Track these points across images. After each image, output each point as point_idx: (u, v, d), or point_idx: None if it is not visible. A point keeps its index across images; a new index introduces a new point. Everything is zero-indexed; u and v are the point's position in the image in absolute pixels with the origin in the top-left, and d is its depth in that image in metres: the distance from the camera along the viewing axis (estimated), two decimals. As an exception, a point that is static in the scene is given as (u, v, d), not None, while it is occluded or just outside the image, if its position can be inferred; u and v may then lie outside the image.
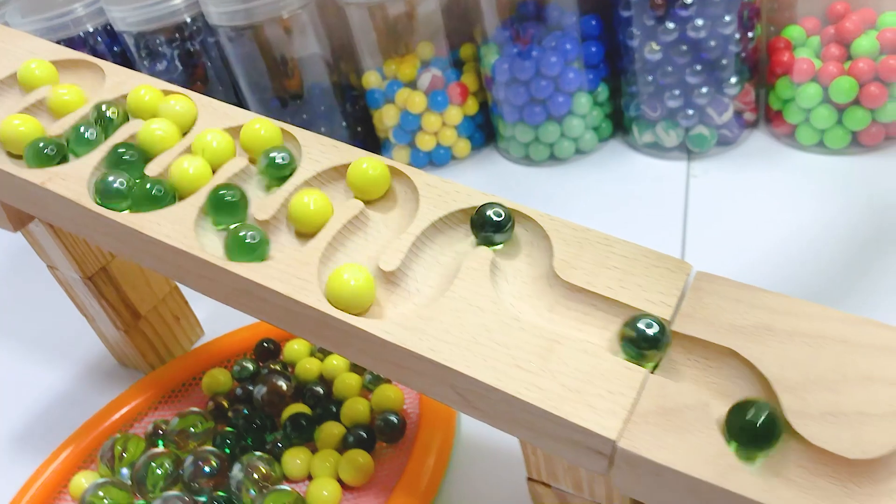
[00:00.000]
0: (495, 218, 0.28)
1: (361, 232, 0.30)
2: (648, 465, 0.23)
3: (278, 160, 0.30)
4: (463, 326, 0.26)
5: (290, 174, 0.31)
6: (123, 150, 0.32)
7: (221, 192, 0.30)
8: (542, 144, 0.57)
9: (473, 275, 0.28)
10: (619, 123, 0.59)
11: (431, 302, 0.28)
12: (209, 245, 0.30)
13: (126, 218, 0.31)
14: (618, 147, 0.59)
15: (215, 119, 0.35)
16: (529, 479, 0.30)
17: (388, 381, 0.42)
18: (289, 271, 0.28)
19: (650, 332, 0.25)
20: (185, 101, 0.34)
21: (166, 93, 0.36)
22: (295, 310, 0.28)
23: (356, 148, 0.33)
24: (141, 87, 0.35)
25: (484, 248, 0.29)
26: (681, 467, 0.22)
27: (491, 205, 0.29)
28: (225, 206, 0.30)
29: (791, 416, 0.23)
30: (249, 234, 0.29)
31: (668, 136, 0.54)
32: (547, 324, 0.27)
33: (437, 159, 0.61)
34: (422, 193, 0.31)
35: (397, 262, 0.29)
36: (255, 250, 0.28)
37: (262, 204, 0.31)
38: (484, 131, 0.62)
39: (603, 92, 0.57)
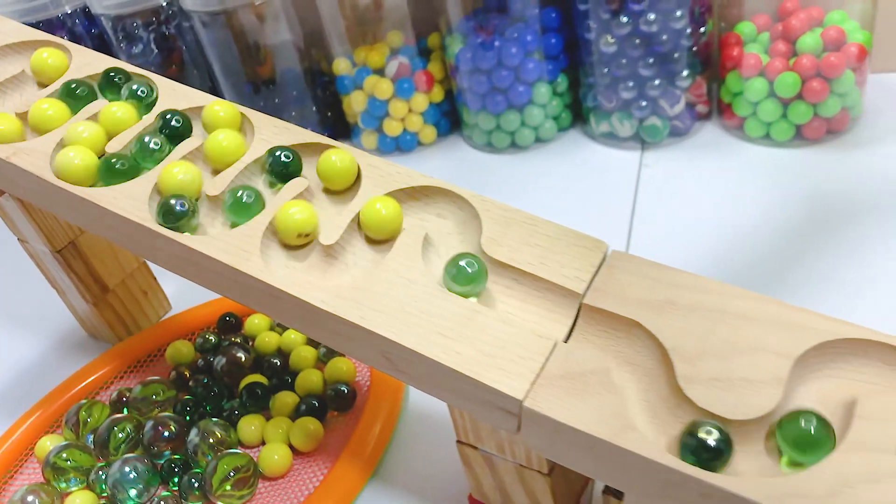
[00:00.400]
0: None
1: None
2: (551, 423, 0.25)
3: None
4: (393, 297, 0.28)
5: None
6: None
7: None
8: (503, 132, 0.59)
9: (406, 250, 0.30)
10: (578, 114, 0.61)
11: (366, 274, 0.30)
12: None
13: (85, 192, 0.33)
14: (576, 136, 0.61)
15: (174, 100, 0.36)
16: (458, 441, 0.32)
17: (342, 355, 0.44)
18: (234, 243, 0.30)
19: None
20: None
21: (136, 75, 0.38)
22: (240, 280, 0.30)
23: (307, 130, 0.35)
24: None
25: (418, 225, 0.31)
26: (579, 425, 0.25)
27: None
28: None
29: (682, 381, 0.26)
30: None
31: (623, 126, 0.57)
32: (471, 296, 0.29)
33: (403, 145, 0.63)
34: (364, 174, 0.33)
35: (336, 236, 0.31)
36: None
37: (213, 182, 0.33)
38: (450, 119, 0.64)
39: (562, 83, 0.59)
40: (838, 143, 0.53)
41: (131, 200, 0.32)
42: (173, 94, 0.37)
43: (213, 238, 0.30)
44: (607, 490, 0.28)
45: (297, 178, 0.33)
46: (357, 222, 0.32)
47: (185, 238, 0.31)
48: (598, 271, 0.29)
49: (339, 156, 0.32)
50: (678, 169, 0.55)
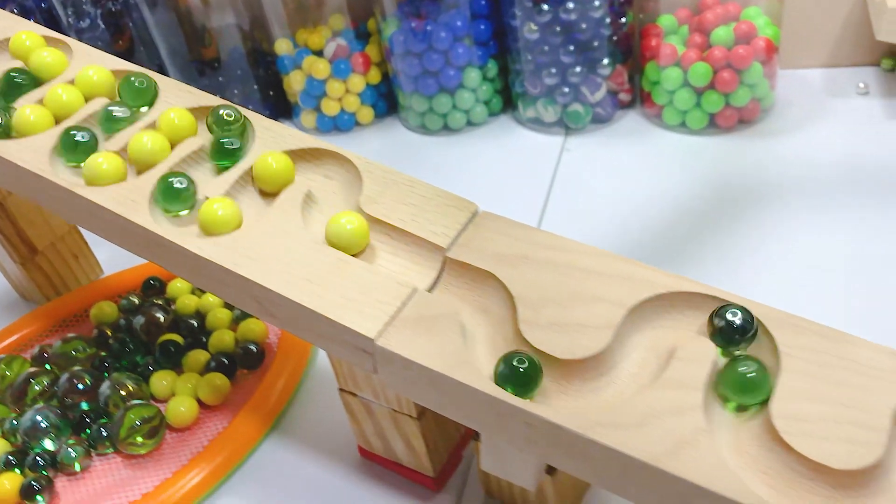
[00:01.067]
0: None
1: (198, 166, 0.34)
2: (399, 360, 0.27)
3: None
4: (268, 246, 0.30)
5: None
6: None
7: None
8: (435, 115, 0.62)
9: (287, 205, 0.32)
10: (508, 100, 0.63)
11: (248, 225, 0.32)
12: (62, 173, 0.34)
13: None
14: (506, 121, 0.63)
15: (87, 62, 0.38)
16: (340, 389, 0.34)
17: (255, 317, 0.46)
18: (127, 195, 0.32)
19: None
20: (54, 52, 0.38)
21: (48, 39, 0.40)
22: (128, 228, 0.32)
23: (211, 95, 0.37)
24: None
25: (304, 182, 0.33)
26: (421, 360, 0.27)
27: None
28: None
29: (523, 325, 0.28)
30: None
31: (548, 111, 0.59)
32: (343, 247, 0.31)
33: (341, 124, 0.65)
34: (258, 135, 0.35)
35: (222, 191, 0.33)
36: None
37: (113, 140, 0.35)
38: (387, 101, 0.66)
39: (492, 68, 0.61)
40: (749, 132, 0.56)
41: (33, 153, 0.34)
42: (86, 58, 0.39)
43: (105, 188, 0.32)
44: (475, 434, 0.31)
45: (192, 138, 0.35)
46: (251, 176, 0.34)
47: (81, 189, 0.32)
48: (465, 229, 0.31)
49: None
50: (597, 153, 0.57)
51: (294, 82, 0.64)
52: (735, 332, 0.27)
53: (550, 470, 0.31)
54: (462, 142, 0.62)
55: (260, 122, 0.35)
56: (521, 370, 0.26)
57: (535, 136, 0.60)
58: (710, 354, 0.26)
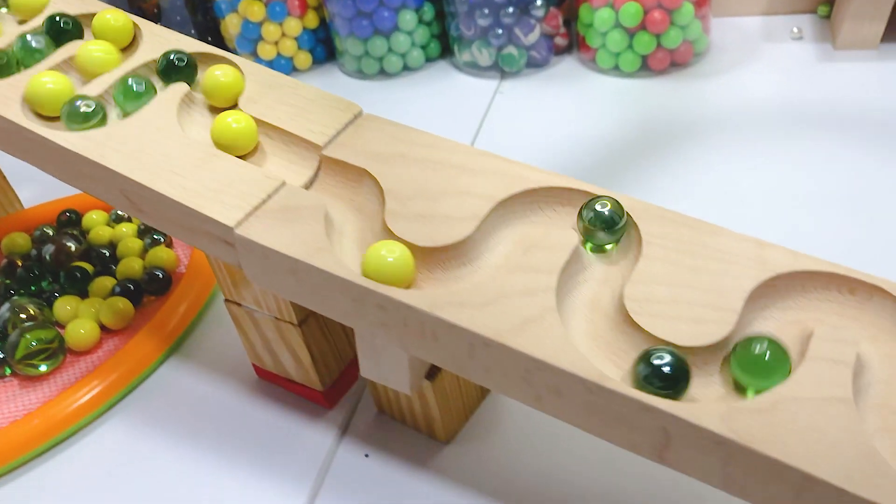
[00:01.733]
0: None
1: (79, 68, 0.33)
2: (259, 249, 0.27)
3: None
4: (138, 141, 0.30)
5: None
6: None
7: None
8: (371, 58, 0.61)
9: (163, 104, 0.31)
10: (448, 45, 0.63)
11: (121, 124, 0.31)
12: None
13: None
14: (444, 66, 0.62)
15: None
16: (225, 300, 0.34)
17: (164, 245, 0.45)
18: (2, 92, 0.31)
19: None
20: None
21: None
22: (2, 126, 0.31)
23: (103, 3, 0.36)
24: None
25: (181, 84, 0.32)
26: (278, 248, 0.26)
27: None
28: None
29: (389, 216, 0.27)
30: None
31: (482, 54, 0.58)
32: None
33: (278, 69, 0.64)
34: (144, 40, 0.34)
35: (100, 90, 0.32)
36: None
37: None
38: (326, 47, 0.66)
39: (428, 11, 0.60)
40: (682, 75, 0.55)
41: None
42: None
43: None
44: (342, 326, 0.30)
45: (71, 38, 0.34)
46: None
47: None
48: (345, 129, 0.31)
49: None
50: (530, 96, 0.56)
51: (230, 26, 0.63)
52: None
53: (430, 375, 0.30)
54: (398, 86, 0.61)
55: (148, 28, 0.35)
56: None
57: (471, 80, 0.60)
58: (570, 243, 0.26)
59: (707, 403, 0.21)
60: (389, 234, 0.27)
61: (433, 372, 0.30)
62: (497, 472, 0.32)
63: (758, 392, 0.22)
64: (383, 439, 0.34)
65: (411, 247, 0.26)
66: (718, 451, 0.21)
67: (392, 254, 0.25)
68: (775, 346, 0.22)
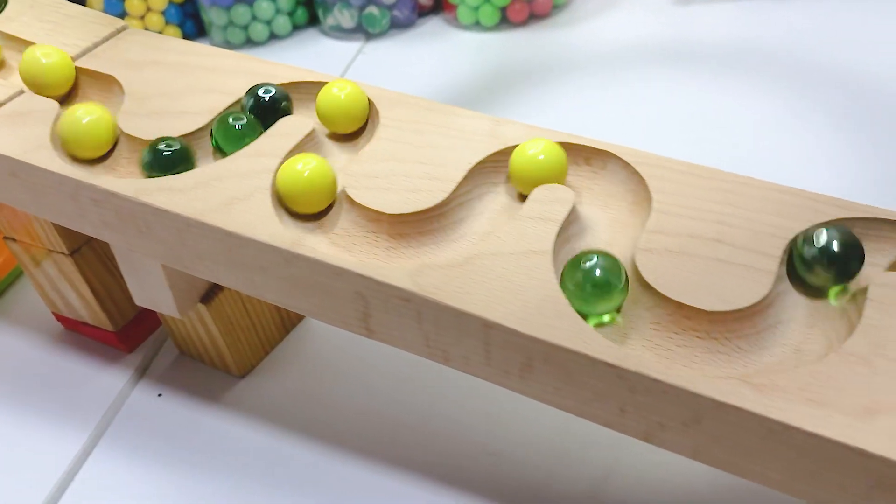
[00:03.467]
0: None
1: None
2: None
3: None
4: None
5: None
6: None
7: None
8: (236, 27, 0.60)
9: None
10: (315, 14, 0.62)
11: None
12: None
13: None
14: (312, 33, 0.61)
15: None
16: (4, 237, 0.32)
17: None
18: None
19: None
20: None
21: None
22: None
23: None
24: None
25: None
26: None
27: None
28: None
29: (123, 117, 0.26)
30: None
31: (344, 16, 0.57)
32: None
33: (146, 46, 0.63)
34: None
35: None
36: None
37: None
38: (196, 22, 0.64)
39: (290, -24, 0.59)
40: (542, 26, 0.55)
41: None
42: None
43: None
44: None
45: None
46: None
47: None
48: (104, 42, 0.30)
49: None
50: (392, 56, 0.56)
51: (94, 1, 0.62)
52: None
53: (206, 299, 0.29)
54: (264, 54, 0.60)
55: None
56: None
57: (337, 44, 0.59)
58: (304, 128, 0.25)
59: (402, 262, 0.20)
60: (122, 133, 0.26)
61: (210, 295, 0.29)
62: (293, 405, 0.30)
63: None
64: (181, 379, 0.33)
65: (138, 141, 0.25)
66: (409, 310, 0.19)
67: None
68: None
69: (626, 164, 0.22)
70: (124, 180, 0.23)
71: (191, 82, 0.27)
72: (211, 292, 0.29)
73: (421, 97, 0.26)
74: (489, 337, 0.19)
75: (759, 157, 0.41)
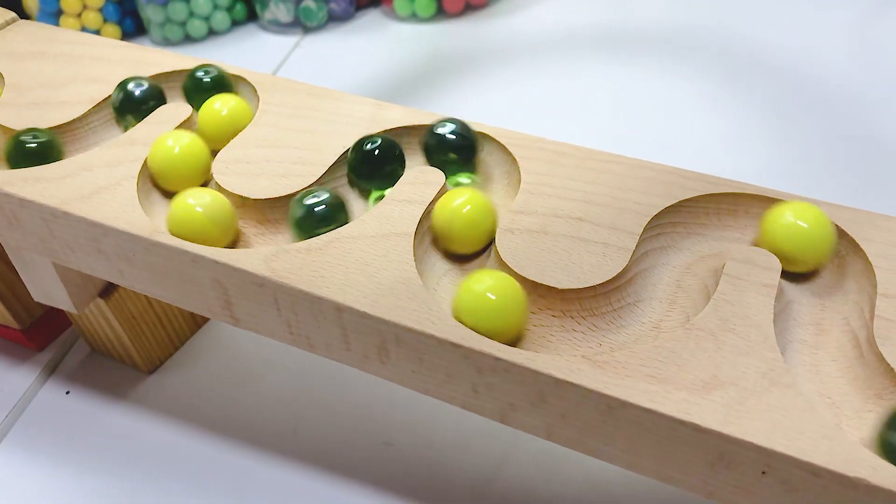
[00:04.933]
0: None
1: None
2: None
3: None
4: None
5: None
6: None
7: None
8: (174, 24, 0.59)
9: None
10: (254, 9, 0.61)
11: None
12: None
13: None
14: (251, 29, 0.61)
15: None
16: None
17: None
18: None
19: None
20: None
21: None
22: None
23: None
24: None
25: None
26: None
27: None
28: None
29: (1, 107, 0.25)
30: None
31: (280, 10, 0.57)
32: None
33: (84, 43, 0.62)
34: None
35: None
36: None
37: None
38: (135, 19, 0.64)
39: (226, -29, 0.59)
40: (477, 16, 0.55)
41: None
42: None
43: None
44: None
45: None
46: None
47: None
48: (-10, 36, 0.29)
49: None
50: (329, 49, 0.55)
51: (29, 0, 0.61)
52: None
53: (105, 294, 0.28)
54: (203, 51, 0.59)
55: None
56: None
57: (275, 38, 0.58)
58: (182, 115, 0.24)
59: (258, 248, 0.20)
60: None
61: (109, 291, 0.28)
62: (199, 401, 0.30)
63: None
64: (90, 376, 0.32)
65: (12, 132, 0.25)
66: (265, 296, 0.19)
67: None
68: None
69: (501, 146, 0.22)
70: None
71: (75, 73, 0.27)
72: (111, 287, 0.28)
73: (302, 83, 0.25)
74: (343, 321, 0.18)
75: (681, 140, 0.41)
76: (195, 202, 0.20)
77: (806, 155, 0.39)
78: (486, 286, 0.17)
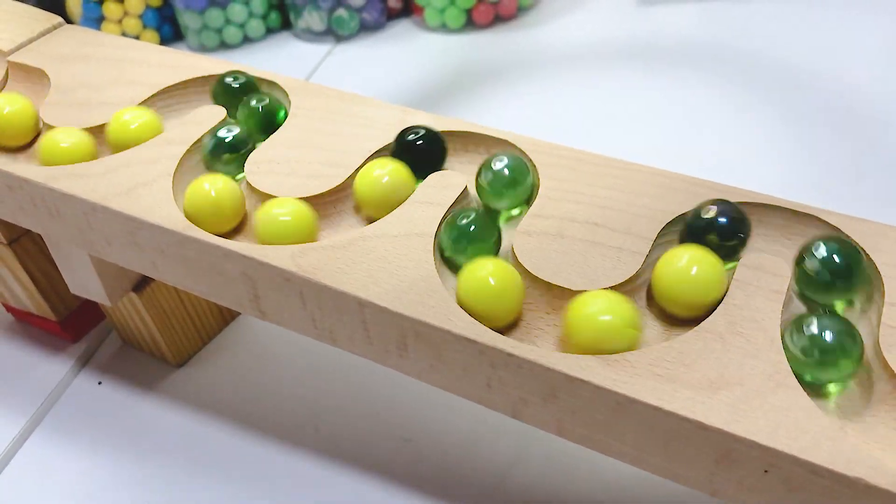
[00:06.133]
0: None
1: None
2: None
3: None
4: None
5: None
6: None
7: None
8: (211, 31, 0.61)
9: None
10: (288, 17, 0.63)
11: None
12: None
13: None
14: (285, 36, 0.62)
15: None
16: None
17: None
18: None
19: None
20: None
21: None
22: None
23: None
24: None
25: None
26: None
27: None
28: None
29: (45, 107, 0.27)
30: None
31: (313, 18, 0.58)
32: None
33: (123, 48, 0.64)
34: None
35: None
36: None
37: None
38: (173, 25, 0.65)
39: (263, -21, 0.60)
40: (507, 28, 0.56)
41: None
42: None
43: None
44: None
45: None
46: None
47: None
48: (40, 38, 0.30)
49: None
50: (360, 58, 0.56)
51: (73, 5, 0.63)
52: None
53: (138, 288, 0.30)
54: (237, 57, 0.61)
55: None
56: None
57: (308, 46, 0.60)
58: (217, 116, 0.25)
59: (287, 245, 0.21)
60: (45, 125, 0.26)
61: (142, 285, 0.29)
62: (226, 394, 0.31)
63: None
64: (122, 368, 0.33)
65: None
66: (292, 290, 0.20)
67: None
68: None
69: (522, 153, 0.23)
70: (37, 167, 0.24)
71: (116, 75, 0.28)
72: (144, 282, 0.29)
73: (332, 88, 0.26)
74: (364, 316, 0.19)
75: (706, 152, 0.41)
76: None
77: (829, 169, 0.39)
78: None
